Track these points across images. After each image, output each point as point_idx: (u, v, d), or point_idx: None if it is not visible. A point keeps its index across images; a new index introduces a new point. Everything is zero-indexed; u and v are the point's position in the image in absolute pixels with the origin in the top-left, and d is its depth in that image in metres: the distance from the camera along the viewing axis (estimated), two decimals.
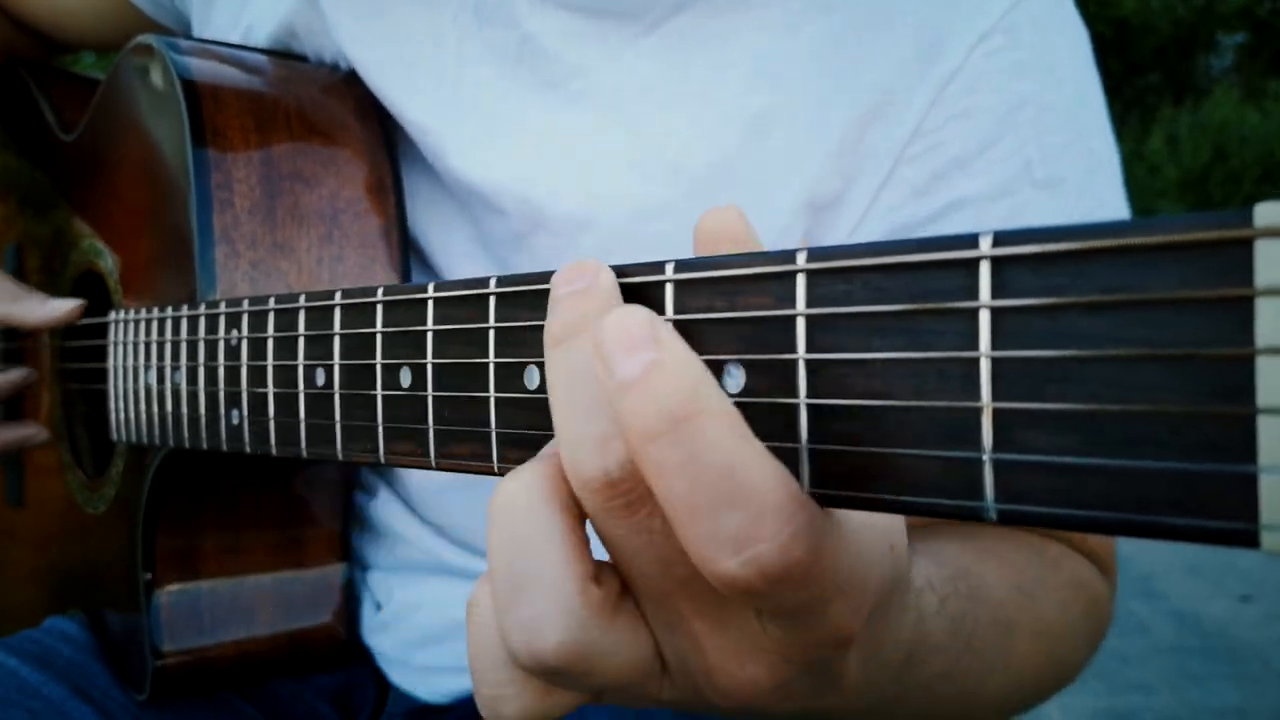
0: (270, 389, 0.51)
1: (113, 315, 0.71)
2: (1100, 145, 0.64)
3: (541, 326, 0.37)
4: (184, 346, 0.58)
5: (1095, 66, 0.66)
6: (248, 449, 0.53)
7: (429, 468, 0.42)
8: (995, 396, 0.27)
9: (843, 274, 0.29)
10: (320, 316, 0.47)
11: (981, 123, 0.61)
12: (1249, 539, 0.23)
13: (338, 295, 0.46)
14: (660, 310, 0.33)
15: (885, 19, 0.62)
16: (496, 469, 0.39)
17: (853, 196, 0.62)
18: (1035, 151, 0.60)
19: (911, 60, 0.61)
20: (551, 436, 0.37)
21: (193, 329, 0.57)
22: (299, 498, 0.72)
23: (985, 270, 0.27)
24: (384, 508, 0.74)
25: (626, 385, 0.28)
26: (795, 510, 0.28)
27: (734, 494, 0.28)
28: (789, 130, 0.62)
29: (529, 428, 0.38)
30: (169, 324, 0.60)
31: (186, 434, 0.59)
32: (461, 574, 0.73)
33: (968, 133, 0.61)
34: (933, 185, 0.61)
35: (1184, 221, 0.24)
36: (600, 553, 0.34)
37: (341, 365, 0.46)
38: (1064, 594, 0.58)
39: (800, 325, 0.30)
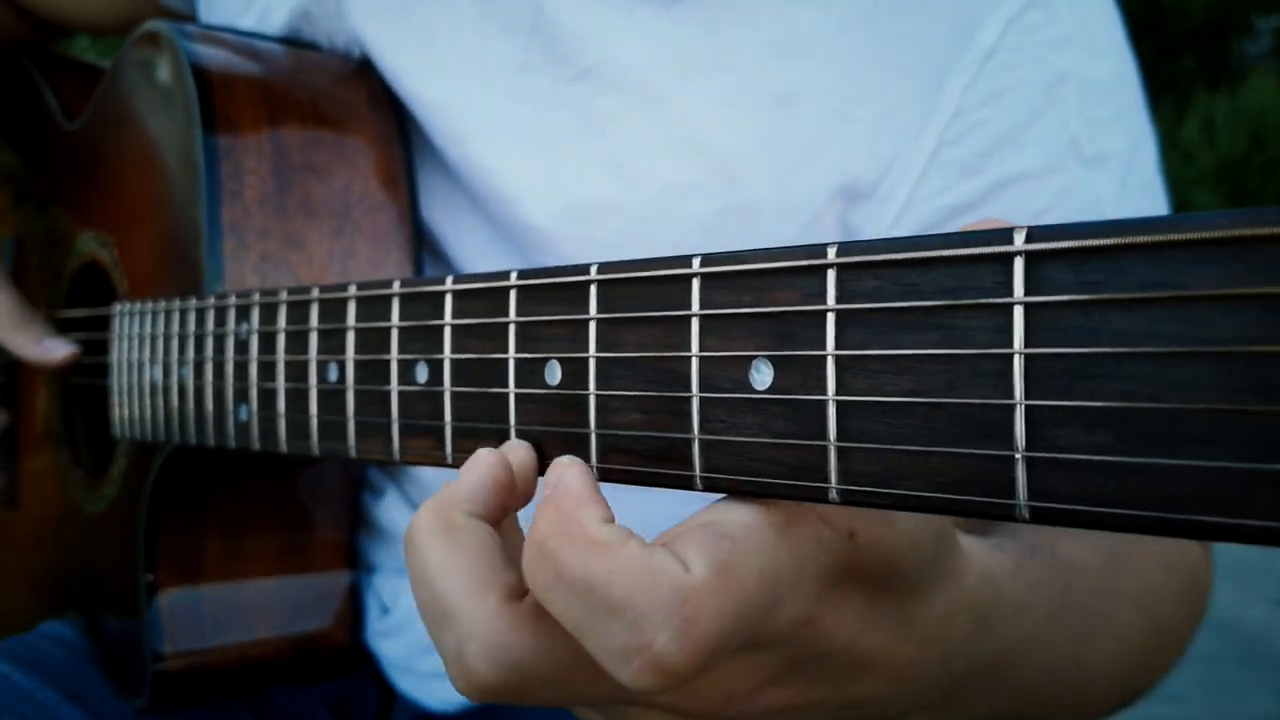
0: (281, 384, 0.50)
1: (116, 307, 0.70)
2: (1139, 120, 0.63)
3: (564, 321, 0.37)
4: (191, 340, 0.58)
5: (1127, 39, 0.65)
6: (256, 446, 0.53)
7: (445, 465, 0.42)
8: (1029, 394, 0.27)
9: (873, 269, 0.29)
10: (334, 310, 0.47)
11: (1024, 98, 0.60)
12: None
13: (352, 288, 0.45)
14: (687, 305, 0.33)
15: None
16: None
17: (891, 184, 0.61)
18: (1080, 127, 0.60)
19: (945, 39, 0.60)
20: (571, 432, 0.37)
21: (201, 322, 0.57)
22: (305, 499, 0.72)
23: (1019, 266, 0.27)
24: (392, 509, 0.74)
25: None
26: (673, 603, 0.28)
27: (607, 607, 0.29)
28: (820, 106, 0.62)
29: (549, 425, 0.37)
30: (176, 316, 0.60)
31: (193, 431, 0.58)
32: None
33: (1011, 109, 0.60)
34: (979, 164, 0.60)
35: (1220, 218, 0.24)
36: None
37: (355, 360, 0.45)
38: (1163, 559, 0.56)
39: (830, 321, 0.30)
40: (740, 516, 0.31)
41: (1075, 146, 0.60)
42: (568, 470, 0.33)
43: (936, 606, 0.36)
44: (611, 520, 0.31)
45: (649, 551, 0.29)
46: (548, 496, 0.32)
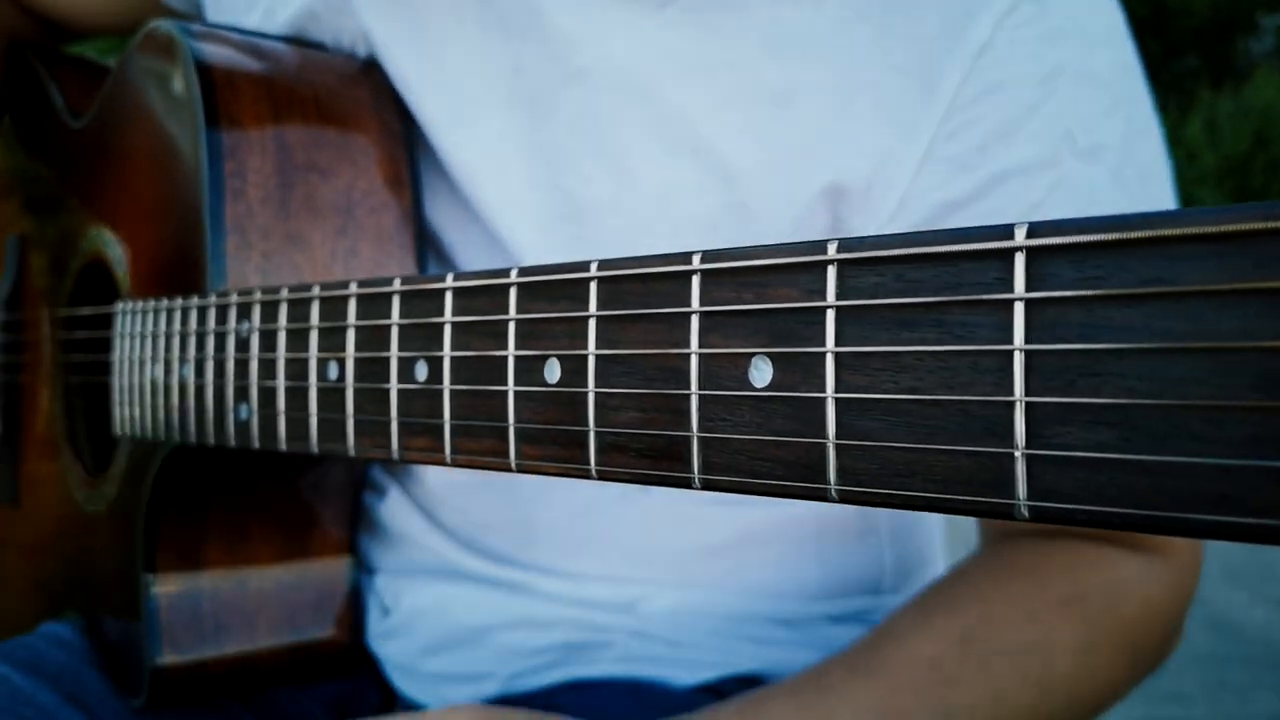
0: (281, 382, 0.50)
1: (119, 305, 0.70)
2: (1139, 112, 0.63)
3: (564, 318, 0.36)
4: (192, 338, 0.58)
5: (1129, 31, 0.65)
6: (256, 445, 0.53)
7: (444, 464, 0.42)
8: (1029, 390, 0.26)
9: (874, 265, 0.29)
10: (334, 308, 0.47)
11: (1018, 93, 0.60)
12: None
13: (353, 285, 0.45)
14: (687, 302, 0.33)
15: None
16: (514, 465, 0.39)
17: (886, 180, 0.61)
18: (1074, 120, 0.59)
19: (939, 35, 0.60)
20: (570, 431, 0.36)
21: (202, 320, 0.57)
22: (306, 498, 0.72)
23: (1020, 261, 0.27)
24: (394, 509, 0.73)
25: None
26: None
27: None
28: (814, 104, 0.61)
29: (548, 423, 0.37)
30: (177, 315, 0.60)
31: (193, 429, 0.58)
32: (473, 579, 0.71)
33: (1005, 103, 0.60)
34: (975, 159, 0.60)
35: (1223, 213, 0.24)
36: None
37: (356, 358, 0.45)
38: (1049, 616, 0.59)
39: (830, 317, 0.30)
40: None
41: (1069, 139, 0.59)
42: None
43: None
44: None
45: None
46: None
